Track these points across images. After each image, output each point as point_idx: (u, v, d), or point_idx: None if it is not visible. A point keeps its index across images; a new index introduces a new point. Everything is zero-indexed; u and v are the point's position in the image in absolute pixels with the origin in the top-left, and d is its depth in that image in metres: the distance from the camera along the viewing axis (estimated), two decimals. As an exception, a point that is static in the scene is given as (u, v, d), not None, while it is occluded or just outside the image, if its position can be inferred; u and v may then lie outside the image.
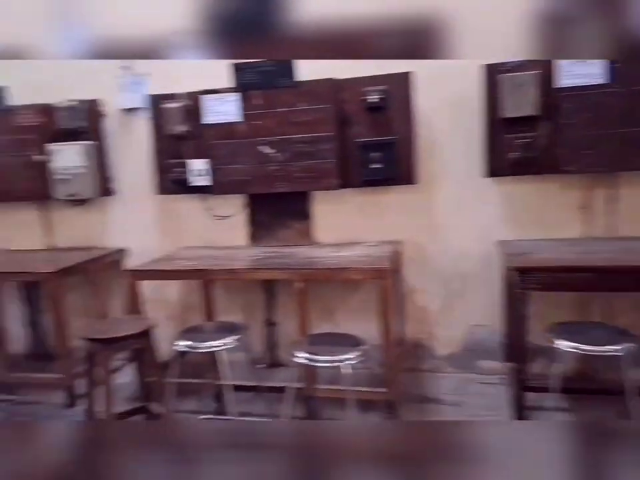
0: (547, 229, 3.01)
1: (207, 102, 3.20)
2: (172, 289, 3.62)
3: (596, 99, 2.71)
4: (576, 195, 2.97)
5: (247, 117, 3.15)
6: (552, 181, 2.95)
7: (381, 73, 2.97)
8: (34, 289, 3.87)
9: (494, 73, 2.82)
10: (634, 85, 2.67)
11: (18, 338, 3.90)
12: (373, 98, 2.93)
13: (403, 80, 2.96)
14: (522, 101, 2.75)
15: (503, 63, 2.80)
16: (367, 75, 2.99)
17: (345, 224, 3.30)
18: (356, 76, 3.00)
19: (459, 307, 3.25)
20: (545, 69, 2.75)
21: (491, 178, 3.00)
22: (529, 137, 2.83)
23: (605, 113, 2.72)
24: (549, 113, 2.79)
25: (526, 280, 2.42)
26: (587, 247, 2.78)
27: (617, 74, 2.67)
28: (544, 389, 2.44)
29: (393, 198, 3.21)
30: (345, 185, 3.13)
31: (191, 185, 3.32)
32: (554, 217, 3.01)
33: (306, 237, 3.35)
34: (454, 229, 3.18)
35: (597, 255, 2.64)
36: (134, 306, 2.91)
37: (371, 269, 2.60)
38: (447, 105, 3.05)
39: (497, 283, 3.09)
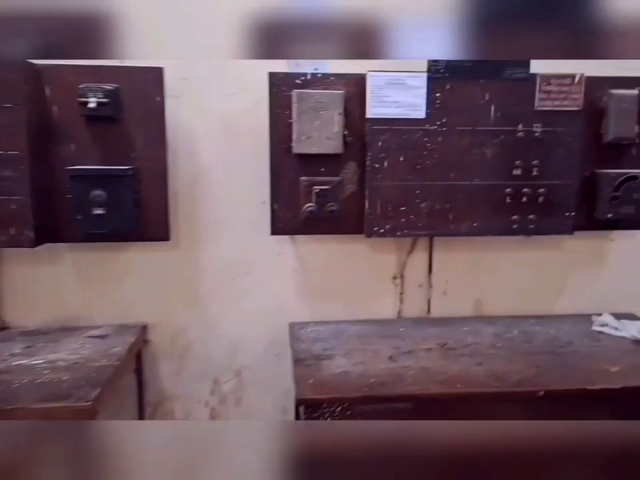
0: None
1: None
2: None
3: (411, 138, 1.99)
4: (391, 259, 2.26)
5: None
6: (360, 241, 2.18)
7: (116, 64, 1.87)
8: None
9: (287, 85, 1.93)
10: (457, 123, 2.00)
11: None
12: (95, 100, 1.80)
13: (148, 79, 1.90)
14: (322, 132, 1.91)
15: (298, 74, 1.93)
16: (85, 64, 1.85)
17: (57, 298, 2.09)
18: (71, 63, 1.84)
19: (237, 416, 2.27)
20: (356, 87, 1.94)
21: (280, 236, 2.11)
22: (330, 182, 1.99)
23: (421, 156, 2.01)
24: (358, 152, 1.99)
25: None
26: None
27: (435, 107, 1.98)
28: None
29: (132, 258, 2.10)
30: (50, 238, 1.92)
31: None
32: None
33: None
34: (230, 304, 2.20)
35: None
36: None
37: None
38: (221, 126, 2.08)
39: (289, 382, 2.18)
